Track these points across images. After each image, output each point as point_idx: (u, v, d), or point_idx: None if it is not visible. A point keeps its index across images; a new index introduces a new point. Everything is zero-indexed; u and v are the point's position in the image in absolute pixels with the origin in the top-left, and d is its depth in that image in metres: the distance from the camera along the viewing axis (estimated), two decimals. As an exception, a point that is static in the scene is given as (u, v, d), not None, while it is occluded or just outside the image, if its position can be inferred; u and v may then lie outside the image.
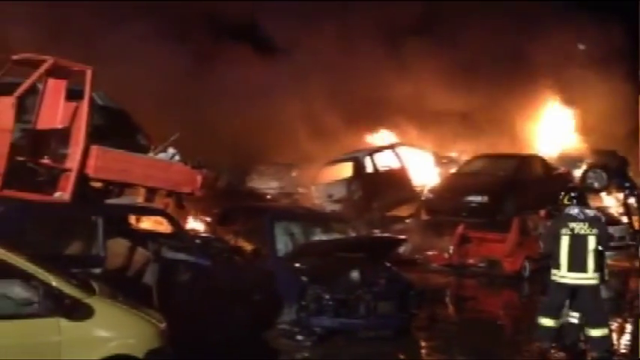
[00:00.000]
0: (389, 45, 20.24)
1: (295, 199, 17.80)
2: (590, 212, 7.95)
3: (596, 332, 7.67)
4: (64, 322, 4.64)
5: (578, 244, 7.64)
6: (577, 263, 7.64)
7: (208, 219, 13.14)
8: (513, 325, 10.41)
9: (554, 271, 7.75)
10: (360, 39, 20.03)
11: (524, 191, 14.79)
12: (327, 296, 7.98)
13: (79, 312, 4.68)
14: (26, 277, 4.76)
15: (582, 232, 7.67)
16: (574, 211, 7.80)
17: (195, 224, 12.61)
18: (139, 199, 9.30)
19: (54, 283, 4.71)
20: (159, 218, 9.45)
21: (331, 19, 20.19)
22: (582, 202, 7.97)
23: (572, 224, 7.70)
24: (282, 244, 8.95)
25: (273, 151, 19.65)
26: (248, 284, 8.03)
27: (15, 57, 8.39)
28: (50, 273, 4.76)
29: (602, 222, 7.96)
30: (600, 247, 7.71)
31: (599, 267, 7.72)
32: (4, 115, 7.50)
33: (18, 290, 4.92)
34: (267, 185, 19.39)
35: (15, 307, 4.78)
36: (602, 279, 7.81)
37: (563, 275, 7.68)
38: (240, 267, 8.48)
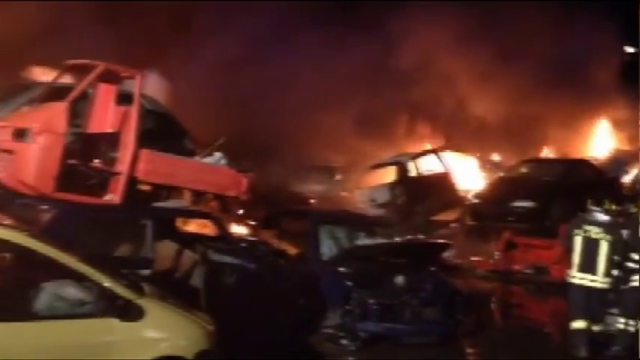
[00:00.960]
0: (435, 49, 20.05)
1: (338, 203, 17.82)
2: (609, 218, 8.10)
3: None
4: (116, 323, 4.72)
5: (590, 247, 7.90)
6: (587, 265, 7.86)
7: (252, 222, 13.24)
8: (560, 334, 10.20)
9: (568, 271, 8.07)
10: (405, 43, 19.86)
11: (572, 196, 14.50)
12: (372, 301, 7.97)
13: (130, 313, 4.76)
14: (80, 278, 4.84)
15: (596, 236, 7.91)
16: (593, 215, 8.04)
17: (239, 227, 12.71)
18: (184, 203, 9.43)
19: (106, 284, 4.78)
20: (204, 221, 9.58)
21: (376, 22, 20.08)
22: (605, 208, 8.15)
23: (588, 227, 7.97)
24: (327, 248, 8.98)
25: (317, 154, 19.71)
26: (293, 288, 8.06)
27: (68, 62, 8.60)
28: (103, 274, 4.84)
29: (620, 230, 8.07)
30: (616, 256, 7.84)
31: (612, 272, 7.89)
32: (58, 119, 7.68)
33: (72, 291, 5.02)
34: (310, 189, 19.46)
35: (69, 307, 4.88)
36: (615, 284, 7.92)
37: (573, 275, 7.99)
38: (284, 270, 8.51)
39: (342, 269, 8.32)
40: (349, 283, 8.08)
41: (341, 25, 20.86)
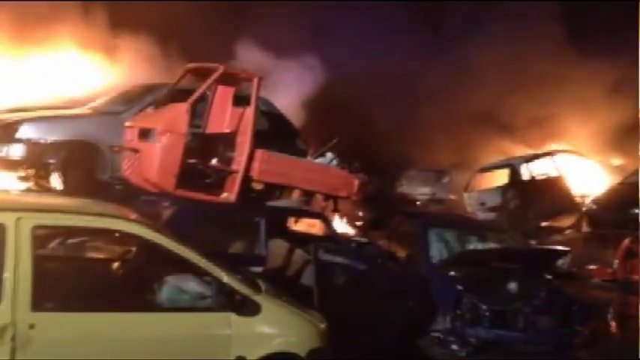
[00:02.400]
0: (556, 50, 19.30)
1: (447, 206, 17.57)
2: None
3: None
4: (234, 317, 4.84)
5: None
6: None
7: (359, 223, 13.30)
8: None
9: None
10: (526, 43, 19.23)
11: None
12: (484, 307, 7.80)
13: (248, 308, 4.88)
14: (200, 273, 5.01)
15: None
16: None
17: (347, 228, 12.80)
18: (296, 202, 9.60)
19: (225, 280, 4.92)
20: (312, 221, 9.72)
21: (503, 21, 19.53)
22: None
23: None
24: (436, 251, 8.87)
25: (424, 155, 19.50)
26: (402, 290, 8.02)
27: (189, 66, 8.97)
28: (222, 270, 4.98)
29: None
30: None
31: None
32: (180, 120, 8.02)
33: (192, 285, 5.23)
34: (418, 191, 19.29)
35: (190, 301, 5.09)
36: None
37: None
38: (394, 272, 8.49)
39: (452, 273, 8.21)
40: (460, 288, 7.95)
41: (449, 24, 20.57)
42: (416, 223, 9.45)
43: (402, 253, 9.22)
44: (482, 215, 15.13)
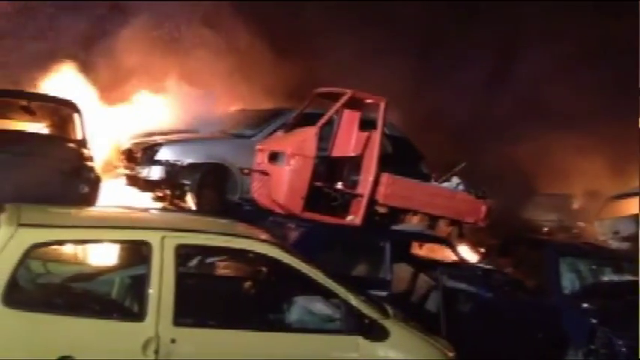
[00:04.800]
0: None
1: (575, 234, 16.78)
2: None
3: None
4: (361, 341, 4.83)
5: None
6: None
7: (482, 249, 12.97)
8: None
9: None
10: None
11: None
12: (620, 342, 7.36)
13: (376, 332, 4.86)
14: (328, 295, 5.05)
15: None
16: None
17: (471, 254, 12.52)
18: (420, 226, 9.52)
19: (354, 302, 4.93)
20: (435, 246, 9.60)
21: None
22: None
23: None
24: (568, 281, 8.46)
25: (551, 180, 18.76)
26: (531, 320, 7.74)
27: (317, 90, 9.18)
28: (350, 292, 4.99)
29: None
30: None
31: None
32: (309, 143, 8.22)
33: (320, 306, 5.31)
34: (545, 217, 18.56)
35: (318, 322, 5.16)
36: None
37: None
38: (522, 301, 8.21)
39: (586, 305, 7.81)
40: (594, 321, 7.55)
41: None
42: (546, 251, 9.09)
43: (530, 282, 8.91)
44: (615, 244, 14.31)
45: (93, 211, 6.84)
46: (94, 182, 8.39)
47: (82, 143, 9.37)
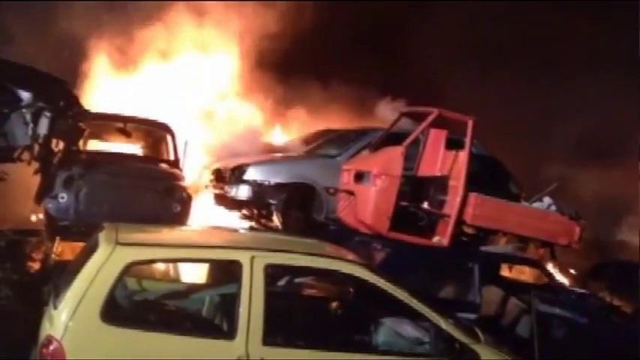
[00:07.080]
0: None
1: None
2: None
3: None
4: (451, 366, 4.76)
5: None
6: None
7: (573, 272, 12.48)
8: None
9: None
10: None
11: None
12: None
13: (466, 357, 4.76)
14: (417, 317, 4.99)
15: None
16: None
17: (562, 277, 12.08)
18: (510, 248, 9.26)
19: (444, 326, 4.84)
20: (524, 268, 9.30)
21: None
22: None
23: None
24: (668, 307, 8.07)
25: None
26: (629, 348, 7.37)
27: (403, 110, 9.14)
28: (440, 315, 4.91)
29: None
30: None
31: None
32: (395, 163, 8.19)
33: (409, 329, 5.25)
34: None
35: (407, 345, 5.10)
36: None
37: None
38: (619, 328, 7.84)
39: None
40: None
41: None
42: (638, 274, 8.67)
43: (627, 307, 8.51)
44: None
45: (185, 230, 7.05)
46: (186, 201, 8.65)
47: (175, 164, 9.68)
